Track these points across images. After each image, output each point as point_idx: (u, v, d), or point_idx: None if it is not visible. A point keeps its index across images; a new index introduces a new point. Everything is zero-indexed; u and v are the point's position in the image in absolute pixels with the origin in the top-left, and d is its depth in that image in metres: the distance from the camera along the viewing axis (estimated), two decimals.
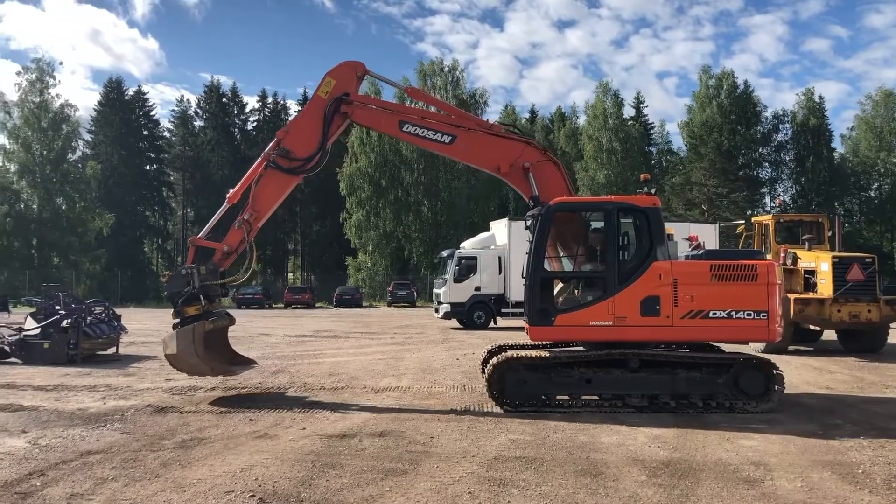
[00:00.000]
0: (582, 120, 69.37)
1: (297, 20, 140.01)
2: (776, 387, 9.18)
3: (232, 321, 11.16)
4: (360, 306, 49.15)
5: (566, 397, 9.34)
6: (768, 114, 69.57)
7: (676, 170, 63.53)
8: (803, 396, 10.59)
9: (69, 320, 14.74)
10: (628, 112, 69.86)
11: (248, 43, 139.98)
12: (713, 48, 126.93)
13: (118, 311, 17.79)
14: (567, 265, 10.22)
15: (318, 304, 50.64)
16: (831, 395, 10.82)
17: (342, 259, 63.89)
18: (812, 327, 16.92)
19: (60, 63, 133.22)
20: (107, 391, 11.01)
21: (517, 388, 9.30)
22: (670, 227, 10.95)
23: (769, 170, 70.98)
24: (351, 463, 6.69)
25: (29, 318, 15.73)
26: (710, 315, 9.05)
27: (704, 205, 56.47)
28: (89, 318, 15.45)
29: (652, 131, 75.66)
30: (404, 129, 10.73)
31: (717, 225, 26.87)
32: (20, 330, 15.13)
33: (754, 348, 16.83)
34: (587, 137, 61.86)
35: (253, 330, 24.77)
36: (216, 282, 10.50)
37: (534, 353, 9.70)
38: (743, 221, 23.31)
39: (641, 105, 76.05)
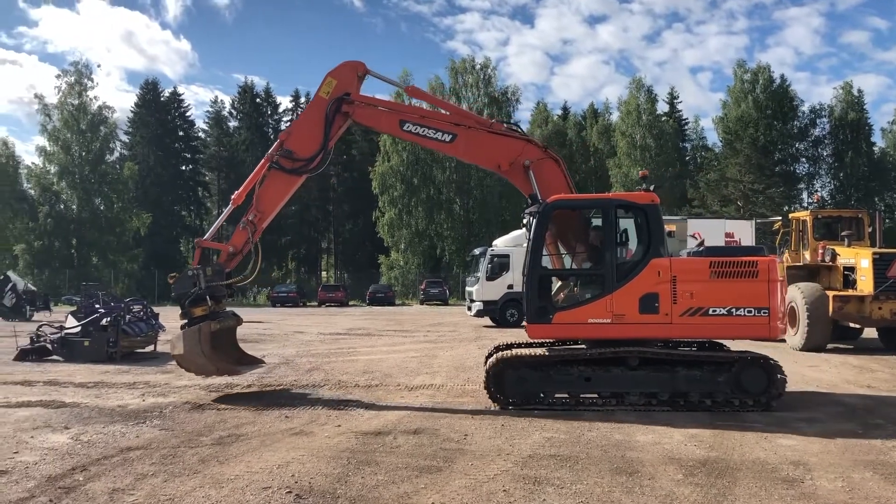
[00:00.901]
0: (615, 116, 68.94)
1: (326, 19, 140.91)
2: (778, 384, 9.06)
3: (239, 321, 11.25)
4: (392, 304, 49.34)
5: (565, 395, 9.30)
6: (805, 108, 68.38)
7: (711, 166, 62.70)
8: (843, 395, 10.41)
9: (108, 319, 15.02)
10: (662, 108, 69.29)
11: (279, 43, 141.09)
12: (747, 42, 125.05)
13: (156, 309, 18.07)
14: (569, 263, 10.15)
15: (351, 303, 50.92)
16: (872, 394, 10.63)
17: (375, 257, 64.19)
18: (852, 325, 16.62)
19: (98, 65, 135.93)
20: (145, 388, 11.19)
21: (516, 387, 9.28)
22: (671, 225, 10.85)
23: (806, 165, 69.86)
24: (386, 460, 6.73)
25: (70, 317, 16.05)
26: (710, 312, 8.96)
27: (740, 201, 55.64)
28: (128, 316, 15.73)
29: (686, 127, 74.85)
30: (405, 128, 10.76)
31: (754, 221, 26.50)
32: (61, 328, 15.44)
33: (791, 346, 16.62)
34: (620, 134, 61.40)
35: (287, 328, 25.01)
36: (222, 283, 10.61)
37: (530, 351, 9.68)
38: (780, 218, 23.02)
39: (675, 101, 75.30)
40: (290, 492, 5.75)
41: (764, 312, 8.90)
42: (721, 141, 65.32)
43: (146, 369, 13.35)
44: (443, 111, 11.55)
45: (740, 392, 9.06)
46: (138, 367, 13.78)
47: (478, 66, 60.66)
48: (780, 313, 9.09)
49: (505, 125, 10.93)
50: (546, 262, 9.70)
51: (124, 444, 7.43)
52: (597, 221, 9.80)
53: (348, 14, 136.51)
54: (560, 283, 10.08)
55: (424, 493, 5.75)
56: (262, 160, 10.89)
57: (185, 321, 10.35)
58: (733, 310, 8.92)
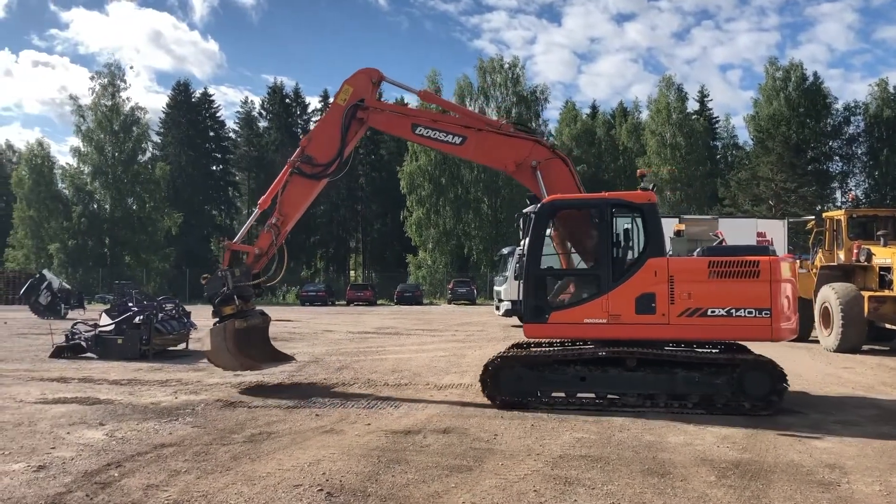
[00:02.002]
0: (644, 115, 68.42)
1: (351, 19, 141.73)
2: (781, 388, 8.84)
3: (266, 320, 11.69)
4: (420, 304, 49.43)
5: (562, 395, 9.31)
6: (839, 106, 67.36)
7: (742, 164, 62.01)
8: (880, 398, 10.24)
9: (141, 317, 15.22)
10: (692, 106, 68.66)
11: (305, 43, 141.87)
12: (778, 39, 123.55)
13: (187, 307, 18.28)
14: (576, 261, 10.14)
15: (379, 302, 51.10)
16: None
17: (403, 257, 64.38)
18: (888, 326, 16.33)
19: (131, 67, 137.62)
20: (178, 386, 11.32)
21: (513, 386, 9.29)
22: (680, 225, 10.78)
23: (840, 164, 68.83)
24: (416, 459, 6.74)
25: (104, 315, 16.30)
26: (709, 313, 8.81)
27: (772, 200, 54.92)
28: (160, 314, 15.92)
29: (716, 125, 74.06)
30: (416, 131, 11.04)
31: (786, 221, 26.18)
32: (95, 326, 15.68)
33: (825, 347, 16.36)
34: (650, 132, 61.02)
35: (317, 326, 25.16)
36: (249, 283, 11.12)
37: (529, 351, 9.74)
38: (813, 217, 22.66)
39: (706, 99, 74.61)
40: (321, 489, 5.79)
41: (766, 314, 8.70)
42: (752, 139, 64.60)
43: (178, 367, 13.50)
44: (454, 114, 11.79)
45: (742, 395, 8.85)
46: (170, 364, 13.95)
47: (506, 66, 60.67)
48: (786, 314, 8.86)
49: (513, 127, 11.03)
50: (545, 261, 9.74)
51: (158, 441, 7.52)
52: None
53: (372, 13, 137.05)
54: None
55: (455, 492, 5.75)
56: (286, 166, 11.30)
57: (217, 319, 10.84)
58: (733, 311, 8.76)
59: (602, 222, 9.27)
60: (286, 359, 12.07)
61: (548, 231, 9.93)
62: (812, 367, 13.60)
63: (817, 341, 17.26)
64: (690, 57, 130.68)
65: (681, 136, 59.64)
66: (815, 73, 65.48)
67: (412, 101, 52.13)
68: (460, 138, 10.81)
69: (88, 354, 15.02)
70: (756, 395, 8.81)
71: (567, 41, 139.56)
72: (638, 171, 10.78)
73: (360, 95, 11.13)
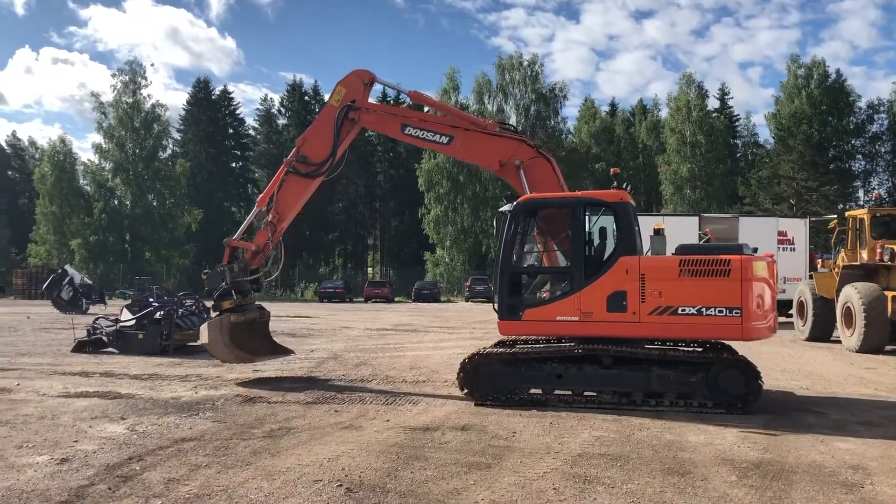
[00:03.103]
0: (664, 113, 68.02)
1: (367, 16, 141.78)
2: (756, 387, 8.79)
3: (264, 314, 12.01)
4: (438, 301, 49.49)
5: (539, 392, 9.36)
6: (862, 104, 66.61)
7: (763, 163, 61.46)
8: None
9: (162, 312, 15.34)
10: (712, 104, 68.13)
11: (322, 40, 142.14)
12: (799, 36, 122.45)
13: (207, 303, 18.37)
14: (562, 259, 10.14)
15: (396, 299, 51.18)
16: None
17: (420, 254, 64.48)
18: None
19: (152, 64, 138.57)
20: (198, 381, 11.40)
21: (490, 383, 9.37)
22: (660, 222, 10.77)
23: (863, 162, 68.18)
24: (435, 456, 6.74)
25: (125, 310, 16.43)
26: (679, 311, 8.78)
27: (793, 199, 54.35)
28: (181, 310, 16.03)
29: (737, 124, 73.48)
30: (406, 131, 11.27)
31: (808, 220, 25.91)
32: (116, 321, 15.82)
33: (847, 347, 16.20)
34: (670, 130, 60.57)
35: (335, 323, 25.26)
36: (246, 278, 11.46)
37: (503, 349, 9.79)
38: (835, 216, 22.45)
39: (726, 96, 74.06)
40: (340, 485, 5.80)
41: (736, 312, 8.63)
42: (773, 137, 63.97)
43: (198, 362, 13.59)
44: (442, 114, 12.08)
45: (718, 394, 8.82)
46: (190, 359, 14.04)
47: (525, 63, 60.49)
48: (759, 314, 8.78)
49: (499, 126, 11.19)
50: (521, 259, 9.89)
51: (178, 436, 7.58)
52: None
53: (389, 10, 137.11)
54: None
55: (474, 489, 5.74)
56: (282, 165, 11.68)
57: (217, 313, 11.41)
58: (704, 309, 8.72)
59: (576, 221, 9.36)
60: (285, 352, 12.47)
61: (533, 230, 10.16)
62: (834, 368, 13.46)
63: (839, 341, 17.09)
64: (710, 54, 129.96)
65: (701, 133, 59.17)
66: (837, 71, 64.70)
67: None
68: (447, 137, 11.03)
69: (110, 349, 15.16)
70: (731, 394, 8.80)
71: (585, 38, 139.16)
72: (611, 170, 10.87)
73: (353, 96, 11.40)
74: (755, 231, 24.94)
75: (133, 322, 15.41)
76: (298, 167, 11.49)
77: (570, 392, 9.28)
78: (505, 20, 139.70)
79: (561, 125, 63.69)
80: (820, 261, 20.44)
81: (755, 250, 9.38)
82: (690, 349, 9.39)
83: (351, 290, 51.59)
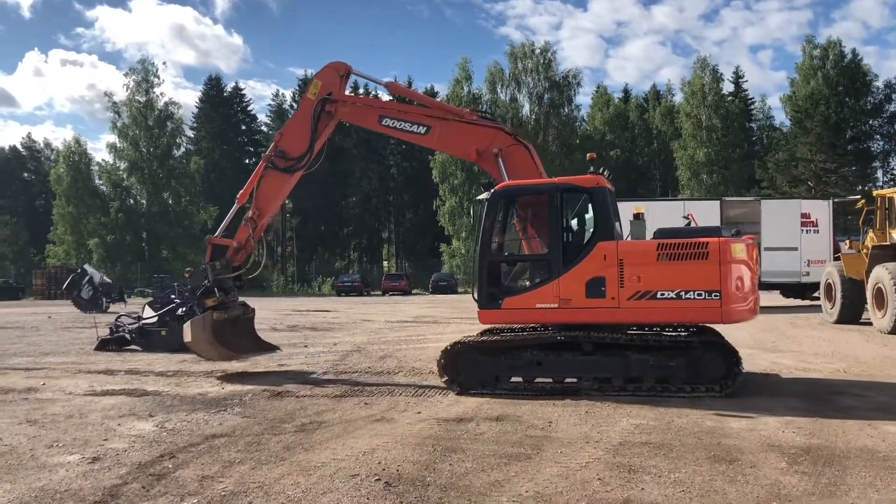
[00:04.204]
0: (678, 98, 67.41)
1: (370, 9, 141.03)
2: (736, 370, 8.74)
3: (247, 311, 11.96)
4: (455, 292, 49.34)
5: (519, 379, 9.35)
6: (879, 83, 65.64)
7: (780, 146, 60.80)
8: None
9: (184, 309, 15.24)
10: (727, 88, 67.41)
11: (327, 35, 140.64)
12: (810, 17, 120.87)
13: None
14: (541, 246, 9.98)
15: (414, 291, 51.08)
16: None
17: (436, 246, 64.24)
18: None
19: (164, 63, 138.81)
20: (223, 376, 11.30)
21: (470, 372, 9.36)
22: (640, 206, 10.67)
23: (881, 142, 67.16)
24: (472, 447, 6.58)
25: (146, 307, 16.36)
26: (658, 296, 8.66)
27: (811, 181, 53.79)
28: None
29: (752, 107, 72.71)
30: (383, 122, 11.14)
31: (831, 201, 25.49)
32: (139, 319, 15.76)
33: (878, 329, 15.90)
34: (685, 115, 59.87)
35: (355, 316, 25.16)
36: (228, 275, 11.43)
37: (484, 337, 9.75)
38: (861, 197, 22.07)
39: (741, 80, 73.28)
40: (378, 479, 5.66)
41: (715, 295, 8.49)
42: (790, 120, 63.15)
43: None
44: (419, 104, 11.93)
45: (697, 377, 8.75)
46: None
47: (537, 51, 59.97)
48: (739, 296, 8.64)
49: (477, 115, 11.05)
50: (500, 248, 9.81)
51: (209, 432, 7.46)
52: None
53: (391, 2, 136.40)
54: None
55: (516, 480, 5.58)
56: (261, 161, 11.62)
57: (200, 311, 11.38)
58: (683, 293, 8.59)
59: (552, 207, 9.24)
60: (270, 349, 12.41)
61: (513, 218, 10.08)
62: (868, 350, 13.19)
63: (870, 323, 16.78)
64: (720, 38, 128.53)
65: (716, 118, 58.52)
66: (853, 51, 63.73)
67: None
68: (425, 128, 10.88)
69: (133, 347, 15.10)
70: (710, 378, 8.73)
71: (593, 26, 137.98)
72: (588, 154, 10.65)
73: (329, 89, 11.28)
74: (777, 214, 24.65)
75: (156, 319, 15.33)
76: (277, 162, 11.42)
77: (550, 379, 9.26)
78: (512, 9, 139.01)
79: (575, 112, 63.22)
80: (847, 242, 20.05)
81: (737, 233, 9.23)
82: (674, 333, 9.30)
83: (368, 284, 51.56)
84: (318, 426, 7.64)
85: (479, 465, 5.99)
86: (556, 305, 9.03)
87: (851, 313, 17.94)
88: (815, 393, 8.98)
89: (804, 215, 24.33)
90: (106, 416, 8.35)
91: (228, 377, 11.19)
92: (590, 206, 9.29)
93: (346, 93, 11.82)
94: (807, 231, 24.18)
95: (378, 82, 12.31)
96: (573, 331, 9.05)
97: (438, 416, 8.01)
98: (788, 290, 25.68)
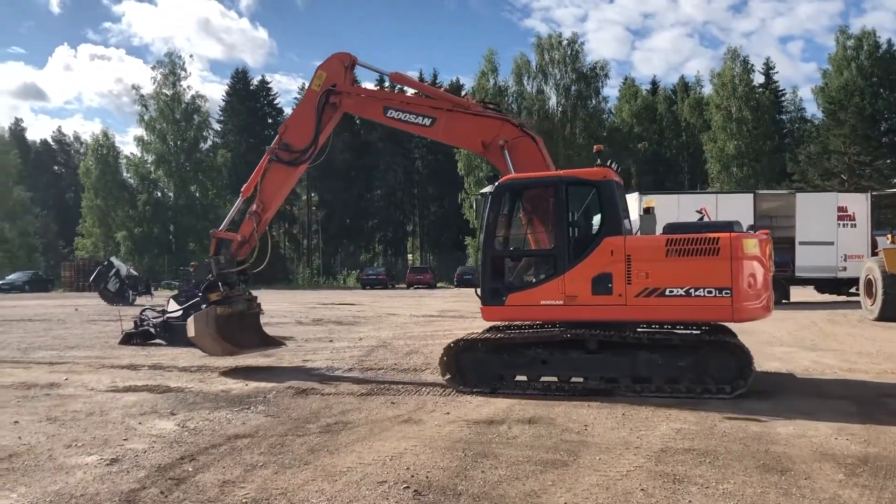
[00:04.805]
0: (706, 90, 66.38)
1: (394, 1, 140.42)
2: (748, 371, 8.32)
3: (252, 305, 11.79)
4: None
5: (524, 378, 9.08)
6: None
7: (811, 138, 59.64)
8: None
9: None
10: (757, 80, 66.17)
11: (352, 28, 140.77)
12: (841, 7, 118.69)
13: (253, 292, 18.09)
14: (546, 241, 9.62)
15: (438, 284, 50.81)
16: None
17: (461, 239, 63.89)
18: None
19: (191, 55, 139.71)
20: (247, 372, 11.08)
21: (473, 370, 9.15)
22: (650, 200, 10.34)
23: None
24: (505, 452, 6.26)
25: (171, 301, 16.19)
26: (667, 293, 8.33)
27: (844, 174, 52.67)
28: None
29: (783, 99, 71.41)
30: (388, 114, 10.90)
31: (869, 194, 24.77)
32: (163, 312, 15.60)
33: None
34: (715, 107, 58.89)
35: (380, 310, 24.94)
36: (233, 270, 11.32)
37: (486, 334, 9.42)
38: None
39: (771, 71, 71.95)
40: (407, 487, 5.36)
41: (726, 293, 8.15)
42: (823, 112, 61.89)
43: (247, 353, 13.25)
44: (426, 95, 11.61)
45: (707, 378, 8.42)
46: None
47: (564, 42, 59.22)
48: (751, 293, 8.28)
49: (482, 105, 10.75)
50: (504, 243, 9.54)
51: (231, 432, 7.21)
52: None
53: None
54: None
55: (553, 490, 5.25)
56: (265, 154, 11.41)
57: (206, 306, 11.27)
58: (692, 290, 8.26)
59: (558, 201, 8.91)
60: (276, 344, 12.32)
61: (519, 212, 9.78)
62: None
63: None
64: (748, 30, 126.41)
65: (747, 109, 57.50)
66: (889, 41, 62.26)
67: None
68: (430, 119, 10.62)
69: (157, 341, 14.95)
70: (721, 379, 8.38)
71: (619, 17, 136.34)
72: (594, 146, 10.20)
73: (333, 80, 11.06)
74: (813, 207, 24.02)
75: (180, 313, 15.14)
76: (281, 155, 11.24)
77: (556, 378, 9.00)
78: (537, 1, 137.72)
79: (602, 104, 62.44)
80: (889, 237, 19.40)
81: (750, 228, 8.83)
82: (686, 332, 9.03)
83: (393, 277, 51.41)
84: (344, 427, 7.36)
85: (513, 473, 5.66)
86: (561, 302, 8.77)
87: (893, 310, 17.33)
88: (865, 396, 8.54)
89: (841, 209, 23.68)
90: (127, 413, 8.14)
91: (252, 373, 10.96)
92: (597, 199, 8.95)
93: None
94: (843, 225, 23.53)
95: (383, 73, 12.07)
96: (576, 328, 8.81)
97: (468, 417, 7.69)
98: (824, 285, 25.03)
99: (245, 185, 11.54)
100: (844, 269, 23.38)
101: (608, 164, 9.27)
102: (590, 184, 9.00)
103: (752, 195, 24.66)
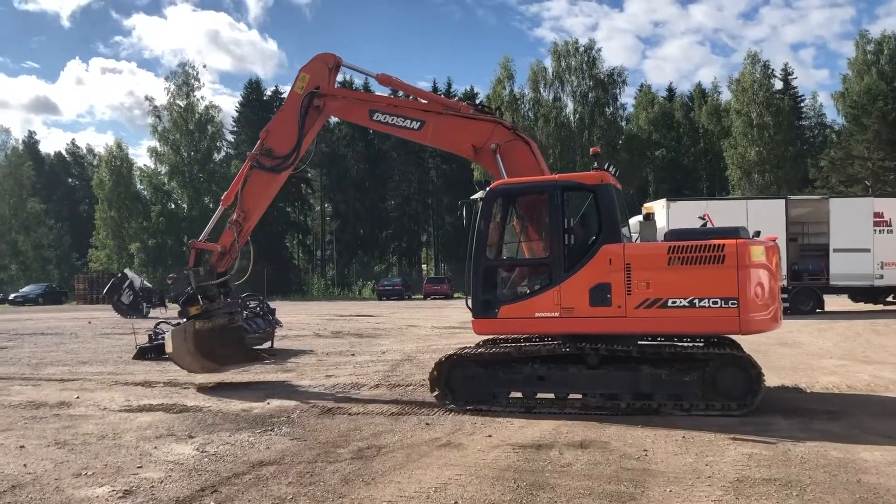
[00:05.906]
0: (724, 96, 65.56)
1: (403, 10, 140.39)
2: (757, 387, 7.76)
3: (233, 319, 11.31)
4: None
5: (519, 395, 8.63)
6: None
7: (833, 144, 58.63)
8: None
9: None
10: (776, 85, 65.26)
11: (359, 36, 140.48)
12: (853, 14, 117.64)
13: (270, 304, 17.54)
14: (540, 250, 9.12)
15: (455, 295, 50.12)
16: None
17: None
18: None
19: (204, 66, 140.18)
20: (268, 389, 10.48)
21: (465, 386, 8.69)
22: (650, 206, 9.69)
23: None
24: (561, 483, 5.59)
25: None
26: (670, 304, 7.80)
27: (868, 180, 51.65)
28: (245, 312, 15.15)
29: (802, 104, 70.47)
30: (374, 118, 10.44)
31: None
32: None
33: None
34: (735, 113, 57.97)
35: (399, 322, 24.31)
36: (212, 282, 10.72)
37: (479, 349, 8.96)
38: None
39: (790, 77, 70.99)
40: None
41: (733, 304, 7.63)
42: (844, 117, 60.83)
43: (265, 367, 12.65)
44: (414, 98, 11.04)
45: (714, 394, 7.86)
46: (258, 365, 13.09)
47: (581, 49, 58.64)
48: (759, 304, 7.72)
49: (474, 108, 10.11)
50: (495, 252, 9.04)
51: (255, 458, 6.58)
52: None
53: (425, 4, 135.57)
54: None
55: None
56: (246, 161, 10.91)
57: (184, 320, 10.72)
58: (696, 301, 7.73)
59: (553, 206, 8.38)
60: (260, 359, 11.82)
61: (511, 219, 9.30)
62: None
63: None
64: (759, 37, 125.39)
65: (768, 115, 56.59)
66: None
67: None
68: (418, 123, 10.09)
69: None
70: (729, 395, 7.87)
71: (630, 26, 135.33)
72: (591, 149, 9.63)
73: (317, 83, 10.54)
74: (848, 213, 23.23)
75: None
76: (263, 161, 10.68)
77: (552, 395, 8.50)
78: (547, 11, 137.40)
79: (620, 112, 61.74)
80: None
81: (757, 234, 8.23)
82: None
83: (409, 287, 50.83)
84: (378, 452, 6.71)
85: None
86: (557, 315, 8.26)
87: None
88: None
89: (877, 214, 22.87)
90: (142, 436, 7.53)
91: (273, 390, 10.35)
92: (594, 205, 8.42)
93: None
94: (880, 231, 22.72)
95: (370, 74, 11.49)
96: (574, 342, 8.28)
97: (512, 440, 7.03)
98: (859, 293, 24.23)
99: (225, 194, 11.02)
100: (881, 276, 22.58)
101: (606, 167, 8.74)
102: (587, 188, 8.46)
103: (783, 201, 23.87)
